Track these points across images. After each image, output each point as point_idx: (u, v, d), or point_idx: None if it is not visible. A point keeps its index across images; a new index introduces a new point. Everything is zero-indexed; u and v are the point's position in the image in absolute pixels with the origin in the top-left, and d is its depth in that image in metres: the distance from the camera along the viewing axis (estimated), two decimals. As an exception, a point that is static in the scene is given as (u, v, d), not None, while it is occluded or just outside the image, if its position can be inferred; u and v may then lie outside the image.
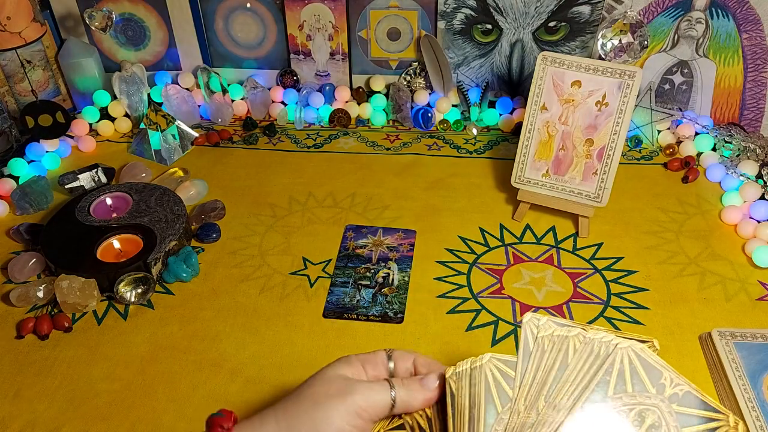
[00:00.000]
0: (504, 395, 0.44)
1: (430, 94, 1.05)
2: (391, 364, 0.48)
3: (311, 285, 0.75)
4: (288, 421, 0.45)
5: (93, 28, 0.96)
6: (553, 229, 0.83)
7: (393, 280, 0.75)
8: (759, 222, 0.81)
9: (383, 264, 0.77)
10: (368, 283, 0.75)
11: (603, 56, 0.85)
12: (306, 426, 0.44)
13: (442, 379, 0.47)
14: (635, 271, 0.76)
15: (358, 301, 0.72)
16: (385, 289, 0.74)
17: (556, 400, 0.43)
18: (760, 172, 0.88)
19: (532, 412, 0.43)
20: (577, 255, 0.79)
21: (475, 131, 1.01)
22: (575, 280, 0.75)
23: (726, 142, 0.94)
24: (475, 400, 0.44)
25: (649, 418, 0.42)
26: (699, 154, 0.94)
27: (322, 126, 1.05)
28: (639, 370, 0.43)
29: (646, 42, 0.84)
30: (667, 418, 0.42)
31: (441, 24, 1.01)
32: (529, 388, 0.44)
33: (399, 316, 0.71)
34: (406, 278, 0.75)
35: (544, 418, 0.43)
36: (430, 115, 1.02)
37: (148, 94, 1.06)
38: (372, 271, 0.76)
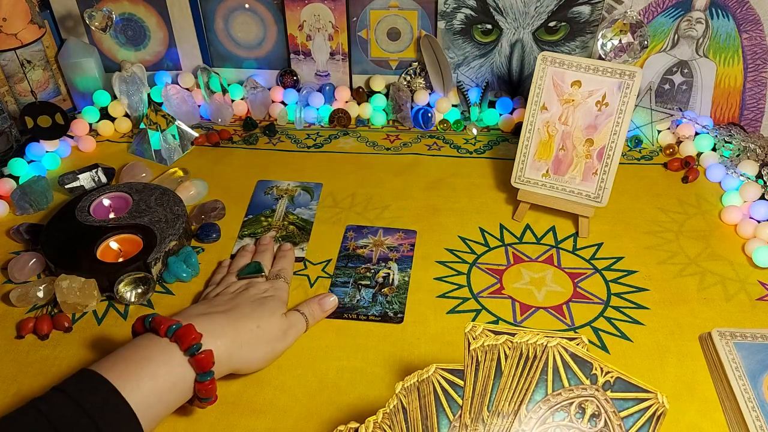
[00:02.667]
0: (454, 404, 0.46)
1: (430, 94, 1.05)
2: None
3: (311, 285, 0.75)
4: (236, 356, 0.60)
5: (93, 28, 0.96)
6: (553, 229, 0.83)
7: (393, 280, 0.75)
8: (759, 222, 0.81)
9: (383, 264, 0.77)
10: (368, 283, 0.75)
11: (603, 56, 0.85)
12: (249, 365, 0.62)
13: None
14: (635, 271, 0.76)
15: (358, 300, 0.72)
16: (385, 289, 0.74)
17: (499, 408, 0.45)
18: (760, 172, 0.88)
19: (479, 425, 0.45)
20: (577, 255, 0.79)
21: (475, 131, 1.01)
22: (575, 280, 0.75)
23: (726, 142, 0.94)
24: (426, 412, 0.46)
25: (589, 408, 0.44)
26: (699, 154, 0.94)
27: (322, 126, 1.05)
28: (571, 365, 0.45)
29: (646, 42, 0.84)
30: (605, 406, 0.44)
31: (441, 24, 1.01)
32: (471, 400, 0.45)
33: (399, 316, 0.71)
34: (406, 278, 0.75)
35: (491, 428, 0.45)
36: (430, 115, 1.02)
37: (148, 94, 1.06)
38: (372, 271, 0.76)
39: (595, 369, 0.45)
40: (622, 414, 0.44)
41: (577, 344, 0.46)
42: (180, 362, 0.55)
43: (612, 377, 0.44)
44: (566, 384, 0.45)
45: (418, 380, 0.46)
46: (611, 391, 0.44)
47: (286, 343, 0.65)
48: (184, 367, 0.55)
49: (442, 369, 0.46)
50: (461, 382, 0.46)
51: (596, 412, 0.44)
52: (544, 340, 0.45)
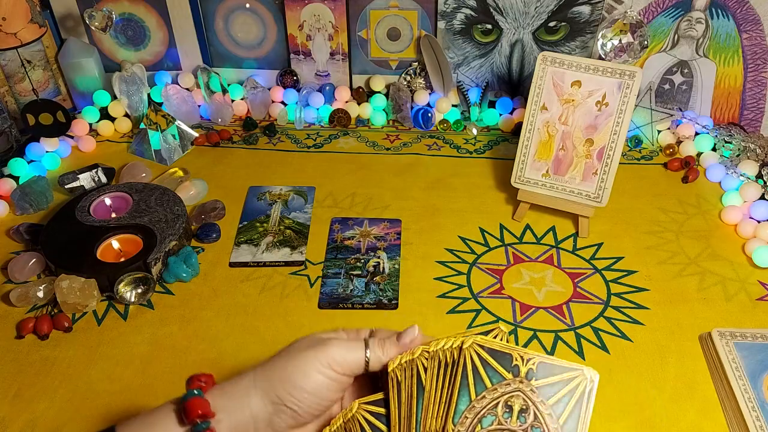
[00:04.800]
0: None
1: (430, 94, 1.05)
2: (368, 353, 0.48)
3: (311, 285, 0.75)
4: (264, 374, 0.46)
5: (93, 28, 0.96)
6: (553, 229, 0.83)
7: (384, 268, 0.76)
8: (759, 222, 0.81)
9: (372, 254, 0.78)
10: (360, 272, 0.75)
11: (603, 56, 0.85)
12: (280, 377, 0.45)
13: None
14: (635, 271, 0.76)
15: (351, 290, 0.73)
16: (377, 278, 0.75)
17: (426, 428, 0.43)
18: (760, 172, 0.88)
19: None
20: (577, 255, 0.79)
21: (475, 131, 1.01)
22: (575, 280, 0.75)
23: (726, 142, 0.94)
24: None
25: (516, 404, 0.42)
26: (699, 154, 0.94)
27: (322, 126, 1.05)
28: (490, 361, 0.43)
29: (646, 42, 0.84)
30: (532, 398, 0.42)
31: (441, 24, 1.01)
32: (399, 426, 0.43)
33: (393, 302, 0.72)
34: (396, 266, 0.76)
35: None
36: (430, 115, 1.02)
37: (148, 94, 1.06)
38: (362, 261, 0.77)
39: (516, 359, 0.42)
40: (551, 402, 0.42)
41: (495, 336, 0.43)
42: None
43: (534, 363, 0.42)
44: (488, 384, 0.42)
45: (343, 421, 0.45)
46: (535, 380, 0.42)
47: (318, 354, 0.46)
48: None
49: (365, 404, 0.45)
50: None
51: (524, 407, 0.42)
52: (457, 341, 0.43)
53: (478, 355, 0.43)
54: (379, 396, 0.45)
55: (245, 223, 0.84)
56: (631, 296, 0.73)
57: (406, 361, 0.44)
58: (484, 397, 0.42)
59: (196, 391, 0.45)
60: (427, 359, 0.44)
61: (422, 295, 0.74)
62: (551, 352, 0.67)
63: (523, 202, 0.83)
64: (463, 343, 0.43)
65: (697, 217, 0.85)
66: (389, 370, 0.44)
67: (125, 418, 0.46)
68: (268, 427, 0.46)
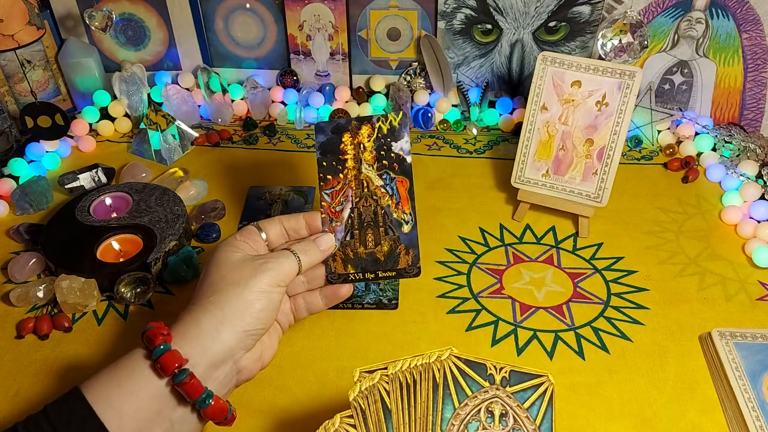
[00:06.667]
0: None
1: (430, 94, 1.05)
2: (263, 234, 0.58)
3: (311, 285, 0.75)
4: (222, 311, 0.51)
5: (93, 28, 0.96)
6: (553, 229, 0.83)
7: None
8: (759, 222, 0.81)
9: None
10: None
11: (603, 56, 0.85)
12: (243, 308, 0.52)
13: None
14: (635, 271, 0.76)
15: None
16: None
17: None
18: (760, 172, 0.88)
19: None
20: (577, 255, 0.79)
21: (475, 131, 1.01)
22: (575, 280, 0.75)
23: (726, 142, 0.94)
24: None
25: (496, 409, 0.44)
26: (699, 154, 0.94)
27: (322, 126, 1.05)
28: (468, 371, 0.45)
29: (646, 42, 0.84)
30: (509, 402, 0.45)
31: (441, 24, 1.01)
32: None
33: (393, 302, 0.72)
34: None
35: None
36: (430, 115, 1.02)
37: (148, 94, 1.06)
38: None
39: (490, 369, 0.45)
40: (525, 405, 0.44)
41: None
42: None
43: (506, 372, 0.45)
44: (469, 392, 0.45)
45: None
46: (509, 386, 0.45)
47: (265, 278, 0.53)
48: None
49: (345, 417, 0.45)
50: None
51: (504, 411, 0.44)
52: (425, 359, 0.45)
53: (456, 366, 0.45)
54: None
55: (245, 223, 0.84)
56: (631, 296, 0.73)
57: (366, 388, 0.45)
58: (466, 404, 0.44)
59: (162, 346, 0.48)
60: (387, 383, 0.45)
61: (422, 295, 0.74)
62: (551, 352, 0.67)
63: (523, 202, 0.83)
64: (439, 355, 0.45)
65: (697, 217, 0.85)
66: (350, 399, 0.45)
67: (86, 378, 0.48)
68: (238, 356, 0.52)
